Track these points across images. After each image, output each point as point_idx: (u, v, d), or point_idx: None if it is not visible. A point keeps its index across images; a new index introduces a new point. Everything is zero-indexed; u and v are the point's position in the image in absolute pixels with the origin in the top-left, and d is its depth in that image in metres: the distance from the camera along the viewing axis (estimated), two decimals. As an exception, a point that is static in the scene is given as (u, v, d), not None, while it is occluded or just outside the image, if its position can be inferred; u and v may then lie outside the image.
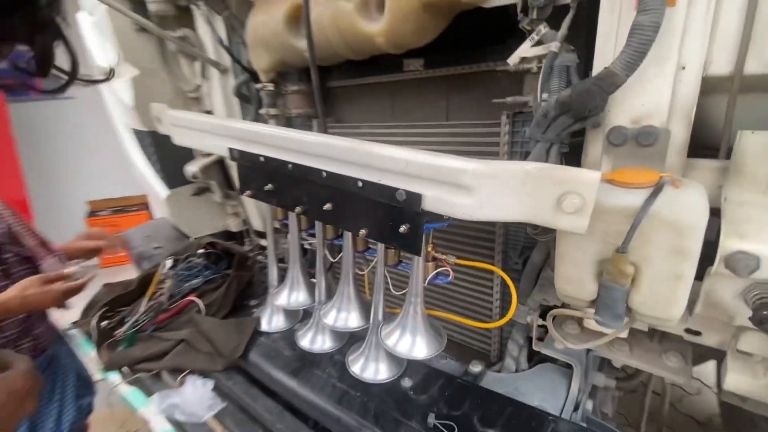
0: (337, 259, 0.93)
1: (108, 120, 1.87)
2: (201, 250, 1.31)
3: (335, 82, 1.37)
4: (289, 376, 0.92)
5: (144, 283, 1.28)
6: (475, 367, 0.93)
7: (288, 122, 1.38)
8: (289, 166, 0.80)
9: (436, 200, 0.61)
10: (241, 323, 1.07)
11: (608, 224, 0.56)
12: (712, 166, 0.62)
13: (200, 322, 1.06)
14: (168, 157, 1.61)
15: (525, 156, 0.92)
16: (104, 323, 1.13)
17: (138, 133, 1.65)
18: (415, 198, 0.63)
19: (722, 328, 0.70)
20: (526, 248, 1.01)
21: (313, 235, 0.96)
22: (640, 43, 0.53)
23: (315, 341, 0.99)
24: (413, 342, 0.80)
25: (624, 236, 0.54)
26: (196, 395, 0.87)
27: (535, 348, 0.92)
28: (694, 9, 0.56)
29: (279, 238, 1.60)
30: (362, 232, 0.74)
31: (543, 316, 0.95)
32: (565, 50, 0.70)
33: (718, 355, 0.91)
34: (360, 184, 0.69)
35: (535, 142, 0.72)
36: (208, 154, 1.63)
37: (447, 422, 0.77)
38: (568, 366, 0.94)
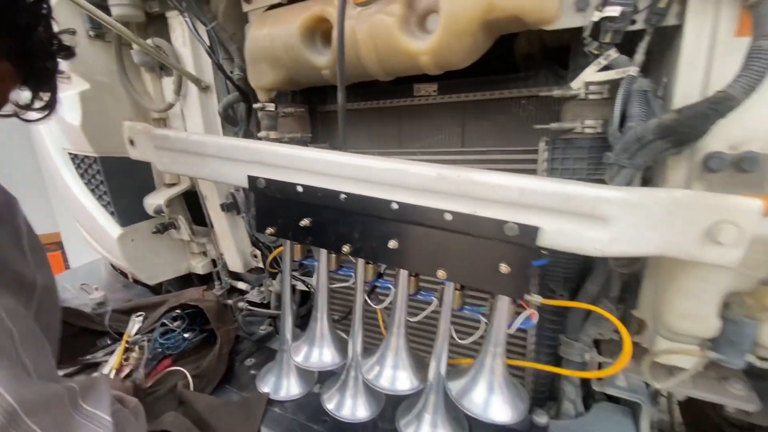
0: (384, 304, 0.79)
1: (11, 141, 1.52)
2: (178, 311, 1.06)
3: (331, 106, 1.27)
4: (329, 458, 0.74)
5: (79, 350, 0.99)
6: (541, 418, 0.83)
7: (279, 148, 1.23)
8: (342, 197, 0.66)
9: (558, 234, 0.53)
10: (247, 403, 0.85)
11: (748, 254, 0.51)
12: (804, 193, 0.62)
13: (193, 401, 0.82)
14: (121, 188, 1.33)
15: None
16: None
17: (79, 160, 1.35)
18: (530, 232, 0.53)
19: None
20: (567, 279, 0.97)
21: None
22: (762, 67, 0.52)
23: (355, 408, 0.82)
24: (489, 401, 0.69)
25: (766, 267, 0.50)
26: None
27: (596, 388, 0.86)
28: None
29: (264, 279, 1.39)
30: (441, 273, 0.63)
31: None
32: (639, 75, 0.69)
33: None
34: (448, 217, 0.58)
35: (619, 169, 0.68)
36: (173, 184, 1.39)
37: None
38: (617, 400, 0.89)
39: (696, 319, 0.58)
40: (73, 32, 0.73)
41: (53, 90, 0.63)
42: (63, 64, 0.68)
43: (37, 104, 0.64)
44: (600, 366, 0.90)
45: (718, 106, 0.55)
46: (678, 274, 0.57)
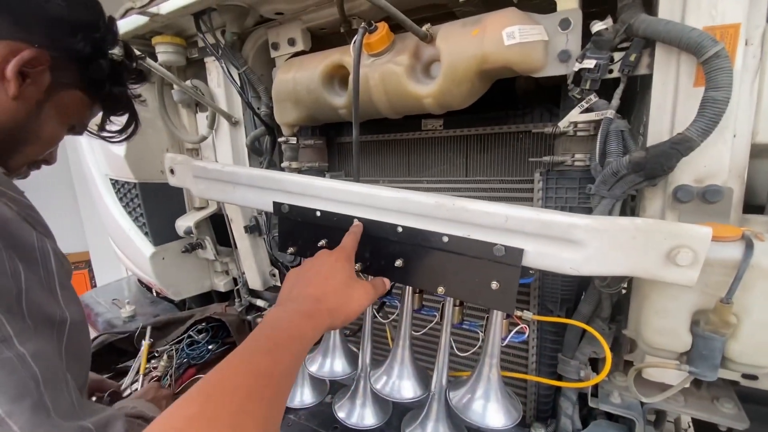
0: (391, 319, 0.87)
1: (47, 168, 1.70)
2: (203, 323, 1.16)
3: (346, 138, 1.39)
4: (338, 460, 0.80)
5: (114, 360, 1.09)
6: (538, 431, 0.88)
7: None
8: (355, 221, 0.76)
9: (539, 255, 0.61)
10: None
11: (708, 276, 0.58)
12: (765, 221, 0.69)
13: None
14: (155, 210, 1.47)
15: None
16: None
17: (120, 185, 1.51)
18: (515, 253, 0.62)
19: (780, 372, 0.74)
20: (564, 300, 1.03)
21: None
22: (714, 114, 0.61)
23: (363, 416, 0.89)
24: (486, 408, 0.75)
25: (724, 287, 0.57)
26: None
27: (591, 404, 0.91)
28: (742, 89, 0.66)
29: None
30: (440, 289, 0.71)
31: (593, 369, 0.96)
32: (616, 117, 0.78)
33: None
34: (445, 239, 0.67)
35: (600, 198, 0.77)
36: (201, 208, 1.52)
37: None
38: (617, 419, 0.93)
39: (669, 335, 0.64)
40: (143, 57, 0.81)
41: (130, 112, 0.69)
42: None
43: (110, 126, 0.70)
44: (597, 385, 0.95)
45: (679, 147, 0.63)
46: (651, 293, 0.64)
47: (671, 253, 0.55)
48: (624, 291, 0.86)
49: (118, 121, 0.70)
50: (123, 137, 0.71)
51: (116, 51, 0.61)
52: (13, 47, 0.51)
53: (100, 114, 0.67)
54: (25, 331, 0.41)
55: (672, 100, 0.70)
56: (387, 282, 0.73)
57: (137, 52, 0.69)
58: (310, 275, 0.62)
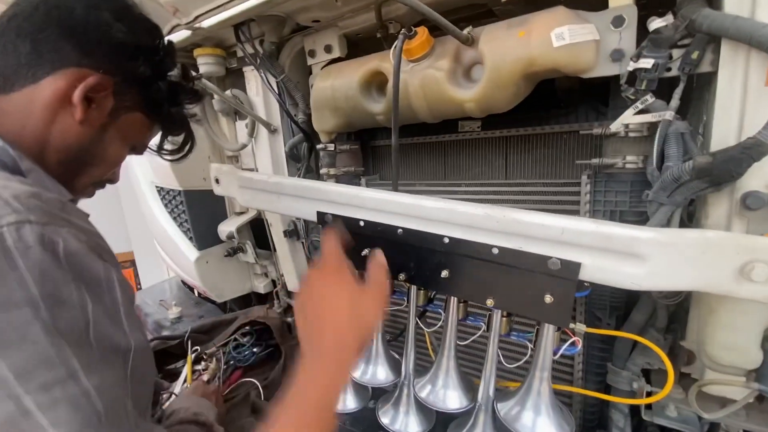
0: (434, 329, 0.87)
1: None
2: (247, 326, 1.20)
3: (380, 141, 1.38)
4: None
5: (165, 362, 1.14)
6: (589, 444, 0.85)
7: (335, 180, 1.36)
8: (399, 231, 0.76)
9: (597, 269, 0.59)
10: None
11: (786, 291, 0.54)
12: None
13: (268, 410, 0.93)
14: (199, 217, 1.52)
15: (609, 216, 0.93)
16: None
17: (165, 192, 1.57)
18: (572, 267, 0.60)
19: None
20: (613, 307, 0.99)
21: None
22: (792, 116, 0.56)
23: (407, 423, 0.89)
24: (536, 422, 0.73)
25: (806, 303, 0.53)
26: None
27: (645, 417, 0.87)
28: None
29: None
30: (489, 301, 0.70)
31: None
32: (675, 118, 0.74)
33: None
34: (495, 251, 0.66)
35: (658, 205, 0.73)
36: (242, 213, 1.57)
37: None
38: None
39: (738, 351, 0.60)
40: (198, 78, 0.82)
41: (186, 131, 0.71)
42: None
43: (168, 146, 0.72)
44: (649, 395, 0.91)
45: (750, 152, 0.59)
46: (718, 307, 0.61)
47: (745, 268, 0.51)
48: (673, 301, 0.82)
49: (175, 140, 0.72)
50: (179, 155, 0.73)
51: (174, 72, 0.63)
52: (79, 74, 0.53)
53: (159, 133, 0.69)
54: (92, 363, 0.41)
55: (740, 100, 0.65)
56: (387, 276, 0.68)
57: (193, 73, 0.71)
58: (318, 315, 0.59)
